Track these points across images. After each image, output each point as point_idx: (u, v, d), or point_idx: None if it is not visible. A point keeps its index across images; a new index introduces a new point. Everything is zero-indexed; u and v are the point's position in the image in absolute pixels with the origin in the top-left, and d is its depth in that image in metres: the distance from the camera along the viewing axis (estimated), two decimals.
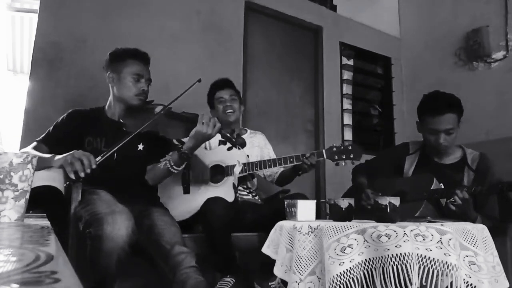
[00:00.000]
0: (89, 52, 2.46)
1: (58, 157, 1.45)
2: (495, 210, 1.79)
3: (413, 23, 4.14)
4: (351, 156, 1.80)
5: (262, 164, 1.94)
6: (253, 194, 2.20)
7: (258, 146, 2.25)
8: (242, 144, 1.68)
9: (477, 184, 1.73)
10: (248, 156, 2.18)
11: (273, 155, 2.28)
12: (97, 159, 1.45)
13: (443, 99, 1.82)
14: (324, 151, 1.85)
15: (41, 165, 1.48)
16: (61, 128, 1.72)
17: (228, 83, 2.24)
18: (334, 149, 1.83)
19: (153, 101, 1.78)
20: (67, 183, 1.46)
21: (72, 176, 1.38)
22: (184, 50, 2.87)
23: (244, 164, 1.95)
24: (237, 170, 1.95)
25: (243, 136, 2.21)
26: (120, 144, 1.54)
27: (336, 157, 1.81)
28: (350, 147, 1.81)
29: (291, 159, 1.89)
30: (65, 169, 1.39)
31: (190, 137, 1.62)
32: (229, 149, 1.74)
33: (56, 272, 0.29)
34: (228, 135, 1.67)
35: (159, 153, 1.74)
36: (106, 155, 1.49)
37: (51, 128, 1.72)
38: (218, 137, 1.69)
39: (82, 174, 1.38)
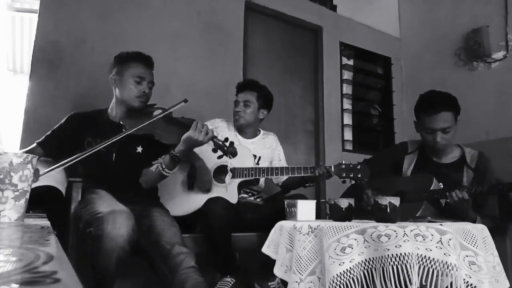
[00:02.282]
0: (89, 52, 2.46)
1: None
2: (495, 210, 1.79)
3: (413, 23, 4.14)
4: (359, 175, 1.81)
5: (269, 171, 1.95)
6: (256, 197, 2.20)
7: (269, 147, 2.27)
8: (233, 154, 1.68)
9: (477, 183, 1.74)
10: (259, 157, 2.19)
11: (283, 157, 2.30)
12: (41, 172, 1.28)
13: (438, 98, 1.84)
14: (332, 166, 1.86)
15: None
16: (59, 132, 1.74)
17: (249, 86, 2.25)
18: (343, 166, 1.84)
19: (155, 104, 1.79)
20: None
21: None
22: (184, 50, 2.87)
23: (251, 169, 1.95)
24: (227, 180, 1.94)
25: (256, 137, 2.23)
26: (85, 154, 1.41)
27: (344, 175, 1.82)
28: (359, 167, 1.82)
29: (299, 170, 1.91)
30: None
31: (182, 140, 1.63)
32: (219, 157, 1.74)
33: (56, 272, 0.29)
34: (220, 143, 1.67)
35: (157, 156, 1.75)
36: (52, 169, 1.31)
37: (49, 132, 1.74)
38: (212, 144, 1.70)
39: None
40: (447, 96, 1.84)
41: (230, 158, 1.70)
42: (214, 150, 1.69)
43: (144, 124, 1.58)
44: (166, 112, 1.67)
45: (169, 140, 1.68)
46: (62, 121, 1.77)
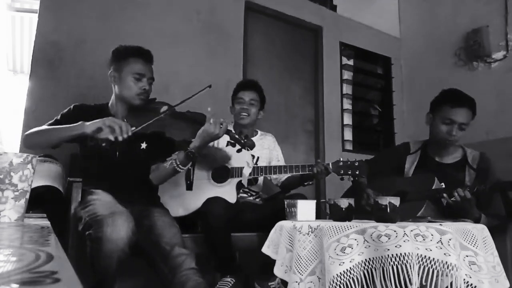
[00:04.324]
0: (89, 52, 2.46)
1: (89, 122, 1.48)
2: (500, 209, 1.79)
3: (413, 23, 4.14)
4: (357, 172, 1.79)
5: (268, 170, 1.95)
6: (255, 197, 2.20)
7: (267, 148, 2.26)
8: (251, 146, 1.67)
9: (479, 183, 1.74)
10: (258, 157, 2.18)
11: (281, 158, 2.29)
12: (132, 128, 1.49)
13: (465, 95, 1.88)
14: (330, 164, 1.85)
15: (66, 134, 1.52)
16: (68, 118, 1.67)
17: (253, 86, 2.23)
18: (341, 163, 1.83)
19: (156, 99, 1.77)
20: (104, 144, 1.50)
21: (112, 137, 1.43)
22: (184, 50, 2.87)
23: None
24: (247, 172, 1.94)
25: (253, 138, 2.23)
26: (148, 122, 1.58)
27: (342, 172, 1.81)
28: (357, 163, 1.81)
29: (297, 168, 1.90)
30: (99, 133, 1.44)
31: (197, 136, 1.62)
32: (238, 151, 1.74)
33: (56, 272, 0.29)
34: (237, 136, 1.66)
35: (162, 153, 1.74)
36: (142, 127, 1.54)
37: (58, 116, 1.70)
38: (227, 138, 1.69)
39: (120, 138, 1.43)
40: (472, 98, 1.89)
41: (248, 150, 1.70)
42: (232, 144, 1.69)
43: (154, 119, 1.60)
44: (192, 96, 1.67)
45: (180, 136, 1.68)
46: (70, 109, 1.73)
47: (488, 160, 1.88)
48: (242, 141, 1.66)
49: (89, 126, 1.46)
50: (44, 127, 1.60)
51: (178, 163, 1.64)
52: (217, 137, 1.63)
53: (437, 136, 1.90)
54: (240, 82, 2.32)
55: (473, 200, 1.63)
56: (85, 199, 1.55)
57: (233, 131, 1.70)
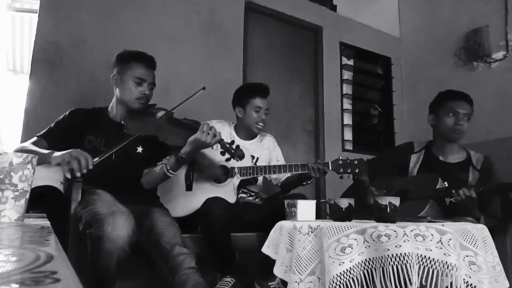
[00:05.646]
0: (89, 52, 2.46)
1: (55, 154, 1.46)
2: (497, 210, 1.80)
3: (413, 23, 4.14)
4: (356, 170, 1.80)
5: (267, 169, 1.95)
6: (255, 197, 2.20)
7: (267, 148, 2.25)
8: (241, 156, 1.68)
9: (482, 183, 1.75)
10: (257, 158, 2.18)
11: (281, 158, 2.28)
12: (95, 160, 1.46)
13: (463, 92, 1.96)
14: (330, 162, 1.84)
15: (38, 161, 1.50)
16: (62, 125, 1.71)
17: (268, 93, 2.17)
18: (340, 161, 1.83)
19: (156, 104, 1.78)
20: (63, 181, 1.49)
21: (68, 175, 1.40)
22: (184, 50, 2.87)
23: (249, 168, 1.95)
24: (236, 182, 1.95)
25: (254, 139, 2.23)
26: (118, 148, 1.57)
27: (341, 170, 1.81)
28: (356, 162, 1.81)
29: (296, 167, 1.90)
30: (61, 167, 1.41)
31: (189, 142, 1.63)
32: (227, 160, 1.75)
33: (56, 272, 0.29)
34: (228, 146, 1.68)
35: (157, 157, 1.75)
36: (103, 157, 1.51)
37: (52, 124, 1.71)
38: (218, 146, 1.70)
39: (78, 174, 1.40)
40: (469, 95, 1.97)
41: (237, 161, 1.71)
42: (222, 153, 1.70)
43: (148, 127, 1.61)
44: (186, 100, 1.68)
45: (173, 142, 1.69)
46: (65, 115, 1.74)
47: (492, 162, 1.91)
48: (232, 151, 1.67)
49: (54, 158, 1.45)
50: (29, 146, 1.60)
51: (169, 168, 1.65)
52: (208, 145, 1.64)
53: (444, 130, 1.93)
54: (257, 88, 2.17)
55: (476, 200, 1.64)
56: (86, 198, 1.55)
57: (225, 141, 1.70)
